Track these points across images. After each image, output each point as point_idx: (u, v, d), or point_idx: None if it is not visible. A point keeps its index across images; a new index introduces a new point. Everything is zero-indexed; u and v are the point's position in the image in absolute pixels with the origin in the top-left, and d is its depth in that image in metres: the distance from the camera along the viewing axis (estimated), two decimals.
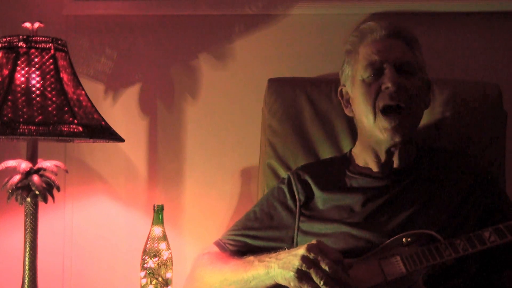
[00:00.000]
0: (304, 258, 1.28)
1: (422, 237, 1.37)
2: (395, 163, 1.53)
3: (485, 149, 1.70)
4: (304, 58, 1.95)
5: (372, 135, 1.51)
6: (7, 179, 1.61)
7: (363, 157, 1.58)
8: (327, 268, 1.26)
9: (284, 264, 1.31)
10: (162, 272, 1.58)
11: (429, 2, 1.90)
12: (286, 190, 1.59)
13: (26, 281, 1.62)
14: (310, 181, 1.57)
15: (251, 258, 1.43)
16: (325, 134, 1.77)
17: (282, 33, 1.96)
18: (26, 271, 1.62)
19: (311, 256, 1.28)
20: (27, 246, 1.62)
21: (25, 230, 1.62)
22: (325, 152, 1.75)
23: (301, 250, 1.30)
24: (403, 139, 1.47)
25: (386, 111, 1.47)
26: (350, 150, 1.65)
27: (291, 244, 1.53)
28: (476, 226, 1.40)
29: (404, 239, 1.37)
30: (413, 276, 1.32)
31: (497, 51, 1.89)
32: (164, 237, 1.61)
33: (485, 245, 1.32)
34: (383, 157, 1.53)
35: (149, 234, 1.61)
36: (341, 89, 1.61)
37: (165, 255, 1.59)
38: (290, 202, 1.57)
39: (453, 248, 1.33)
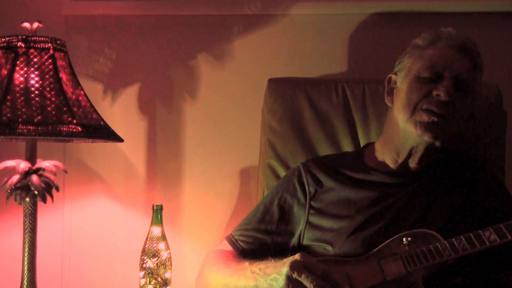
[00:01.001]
0: (288, 279, 1.28)
1: (423, 237, 1.37)
2: (413, 165, 1.52)
3: (485, 149, 1.70)
4: (304, 58, 1.95)
5: (401, 130, 1.48)
6: (6, 179, 1.61)
7: (381, 153, 1.57)
8: (311, 287, 1.25)
9: (271, 281, 1.32)
10: (161, 272, 1.58)
11: (429, 2, 1.90)
12: (296, 181, 1.58)
13: (25, 281, 1.62)
14: (320, 174, 1.56)
15: (246, 264, 1.43)
16: (325, 134, 1.77)
17: (282, 33, 1.96)
18: (25, 271, 1.62)
19: (295, 275, 1.27)
20: (26, 246, 1.62)
21: (24, 230, 1.62)
22: (325, 152, 1.75)
23: (285, 269, 1.29)
24: (432, 140, 1.45)
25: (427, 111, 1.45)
26: (364, 146, 1.64)
27: (298, 239, 1.52)
28: (478, 226, 1.39)
29: (404, 239, 1.37)
30: (413, 276, 1.32)
31: (497, 51, 1.89)
32: (163, 237, 1.61)
33: (484, 245, 1.31)
34: (403, 157, 1.51)
35: (148, 234, 1.61)
36: (391, 76, 1.58)
37: (164, 255, 1.59)
38: (300, 194, 1.56)
39: (452, 248, 1.32)
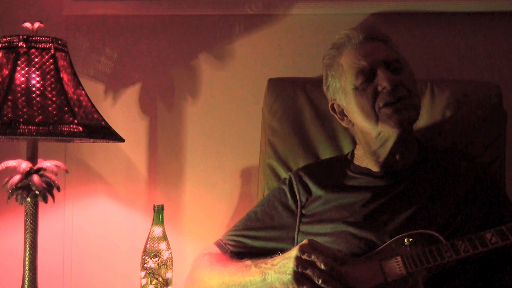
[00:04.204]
0: (298, 259, 1.28)
1: (424, 238, 1.37)
2: (397, 162, 1.53)
3: (485, 149, 1.70)
4: (304, 58, 1.95)
5: (376, 135, 1.50)
6: (7, 179, 1.61)
7: (362, 161, 1.59)
8: (322, 266, 1.26)
9: (280, 268, 1.31)
10: (162, 272, 1.59)
11: (429, 2, 1.90)
12: (287, 191, 1.59)
13: (26, 281, 1.62)
14: (311, 182, 1.57)
15: (248, 262, 1.43)
16: (325, 134, 1.77)
17: (282, 33, 1.96)
18: (26, 271, 1.62)
19: (305, 256, 1.27)
20: (27, 246, 1.62)
21: (25, 230, 1.62)
22: (325, 152, 1.75)
23: (294, 252, 1.29)
24: (412, 119, 1.48)
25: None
26: (352, 151, 1.65)
27: (291, 244, 1.52)
28: (477, 227, 1.40)
29: (405, 240, 1.37)
30: (414, 277, 1.31)
31: (497, 51, 1.90)
32: (164, 237, 1.61)
33: (486, 247, 1.31)
34: (383, 156, 1.52)
35: (149, 234, 1.61)
36: (332, 104, 1.60)
37: (165, 255, 1.59)
38: (291, 203, 1.57)
39: (454, 250, 1.32)
